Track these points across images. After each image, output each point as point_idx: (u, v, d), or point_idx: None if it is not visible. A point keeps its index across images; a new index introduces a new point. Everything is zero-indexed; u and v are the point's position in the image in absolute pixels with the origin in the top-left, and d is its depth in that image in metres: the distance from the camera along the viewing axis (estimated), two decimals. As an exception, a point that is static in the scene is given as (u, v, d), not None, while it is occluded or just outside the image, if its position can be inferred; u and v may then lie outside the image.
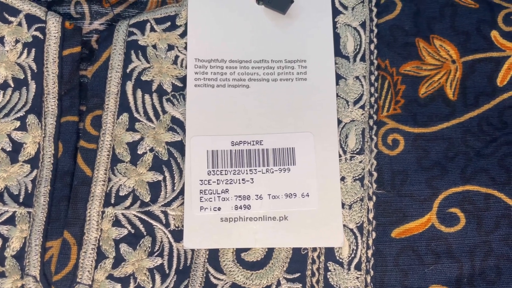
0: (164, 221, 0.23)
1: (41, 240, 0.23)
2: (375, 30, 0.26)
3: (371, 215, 0.24)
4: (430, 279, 0.23)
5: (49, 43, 0.25)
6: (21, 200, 0.23)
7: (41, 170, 0.24)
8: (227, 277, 0.23)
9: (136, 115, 0.24)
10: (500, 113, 0.25)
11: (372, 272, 0.23)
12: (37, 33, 0.25)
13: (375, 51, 0.26)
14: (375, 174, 0.24)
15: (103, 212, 0.23)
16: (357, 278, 0.23)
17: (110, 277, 0.23)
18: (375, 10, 0.26)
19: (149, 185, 0.24)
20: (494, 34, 0.26)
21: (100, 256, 0.23)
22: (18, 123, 0.24)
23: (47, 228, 0.23)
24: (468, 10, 0.26)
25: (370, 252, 0.23)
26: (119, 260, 0.23)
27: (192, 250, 0.23)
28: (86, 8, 0.26)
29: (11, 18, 0.25)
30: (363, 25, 0.26)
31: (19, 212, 0.23)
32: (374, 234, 0.23)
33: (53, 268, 0.23)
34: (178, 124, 0.25)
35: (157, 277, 0.23)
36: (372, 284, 0.23)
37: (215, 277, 0.23)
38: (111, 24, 0.26)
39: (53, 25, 0.25)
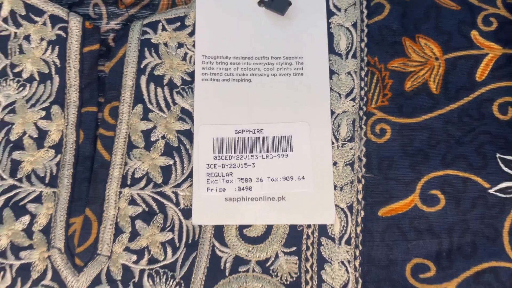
0: (174, 200, 0.26)
1: (65, 216, 0.26)
2: (366, 30, 0.29)
3: (360, 196, 0.26)
4: (412, 253, 0.26)
5: (71, 41, 0.28)
6: (46, 181, 0.26)
7: (64, 155, 0.27)
8: (231, 250, 0.26)
9: (149, 106, 0.27)
10: (478, 105, 0.28)
11: (360, 247, 0.26)
12: (60, 32, 0.28)
13: (365, 49, 0.28)
14: (364, 159, 0.27)
15: (120, 192, 0.26)
16: (347, 251, 0.26)
17: (127, 249, 0.25)
18: (365, 11, 0.29)
19: (161, 169, 0.26)
20: (474, 33, 0.28)
21: (118, 231, 0.26)
22: (43, 113, 0.27)
23: (70, 206, 0.26)
24: (450, 12, 0.29)
25: (359, 229, 0.26)
26: (134, 235, 0.25)
27: (200, 226, 0.26)
28: (104, 9, 0.29)
29: (37, 18, 0.28)
30: (354, 25, 0.29)
31: (45, 192, 0.26)
32: (362, 213, 0.26)
33: (76, 241, 0.25)
34: (187, 114, 0.27)
35: (169, 250, 0.25)
36: (360, 257, 0.26)
37: (220, 250, 0.26)
38: (126, 24, 0.29)
39: (75, 24, 0.28)
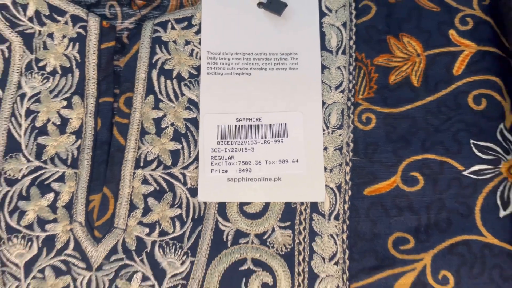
0: (182, 180, 0.29)
1: (85, 194, 0.29)
2: (354, 29, 0.32)
3: (347, 177, 0.29)
4: (394, 228, 0.29)
5: (90, 38, 0.31)
6: (68, 163, 0.29)
7: (84, 140, 0.30)
8: (233, 225, 0.29)
9: (160, 96, 0.30)
10: (455, 97, 0.31)
11: (347, 222, 0.29)
12: (80, 30, 0.31)
13: (354, 46, 0.31)
14: (351, 144, 0.30)
15: (134, 173, 0.29)
16: (336, 226, 0.29)
17: (140, 223, 0.28)
18: (354, 12, 0.32)
19: (170, 152, 0.30)
20: (452, 32, 0.32)
21: (132, 207, 0.29)
22: (65, 102, 0.30)
23: (90, 185, 0.29)
24: (430, 13, 0.32)
25: (346, 206, 0.29)
26: (147, 210, 0.29)
27: (205, 203, 0.29)
28: (118, 10, 0.32)
29: (59, 18, 0.31)
30: (344, 25, 0.32)
31: (67, 172, 0.29)
32: (350, 192, 0.29)
33: (95, 216, 0.29)
34: (193, 104, 0.30)
35: (177, 224, 0.29)
36: (347, 231, 0.29)
37: (223, 225, 0.29)
38: (139, 23, 0.32)
39: (93, 24, 0.31)
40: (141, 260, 0.28)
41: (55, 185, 0.29)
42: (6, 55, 0.31)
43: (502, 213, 0.28)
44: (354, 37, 0.32)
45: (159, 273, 0.28)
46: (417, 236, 0.29)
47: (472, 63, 0.31)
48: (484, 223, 0.28)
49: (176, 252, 0.28)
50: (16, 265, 0.28)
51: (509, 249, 0.28)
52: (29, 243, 0.28)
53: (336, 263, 0.28)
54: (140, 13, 0.32)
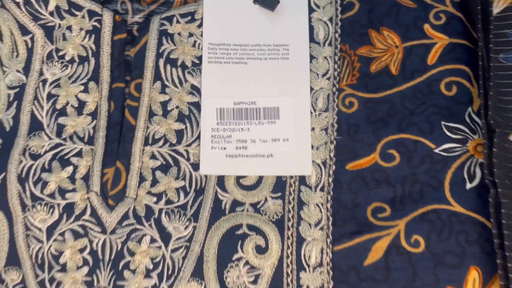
0: (186, 156, 0.33)
1: (100, 167, 0.33)
2: (339, 24, 0.35)
3: (332, 154, 0.33)
4: (372, 199, 0.32)
5: (104, 30, 0.35)
6: (85, 141, 0.33)
7: (99, 120, 0.34)
8: (230, 195, 0.33)
9: (166, 82, 0.34)
10: (429, 84, 0.34)
11: (331, 193, 0.33)
12: (96, 24, 0.35)
13: (339, 38, 0.35)
14: (335, 125, 0.34)
15: (143, 150, 0.33)
16: (321, 196, 0.33)
17: (149, 193, 0.32)
18: (339, 8, 0.36)
19: (175, 132, 0.33)
20: (427, 26, 0.35)
21: (142, 179, 0.33)
22: (82, 87, 0.34)
23: (104, 160, 0.33)
24: (408, 9, 0.36)
25: (330, 179, 0.33)
26: (154, 182, 0.32)
27: (206, 176, 0.33)
28: (129, 6, 0.36)
29: (77, 13, 0.35)
30: (330, 19, 0.36)
31: (84, 149, 0.33)
32: (333, 167, 0.33)
33: (109, 187, 0.32)
34: (195, 90, 0.34)
35: (181, 194, 0.32)
36: (331, 201, 0.32)
37: (221, 195, 0.33)
38: (147, 18, 0.36)
39: (107, 18, 0.35)
40: (150, 225, 0.32)
41: (73, 160, 0.33)
42: (29, 45, 0.35)
43: (468, 186, 0.32)
44: (339, 30, 0.35)
45: (166, 236, 0.31)
46: (393, 205, 0.32)
47: (444, 54, 0.35)
48: (452, 194, 0.32)
49: (180, 218, 0.32)
50: (39, 229, 0.32)
51: (474, 217, 0.31)
52: (51, 210, 0.32)
53: (321, 229, 0.32)
54: (149, 9, 0.36)
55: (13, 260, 0.31)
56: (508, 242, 0.29)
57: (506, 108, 0.33)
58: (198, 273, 0.31)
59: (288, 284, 0.31)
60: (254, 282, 0.31)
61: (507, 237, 0.29)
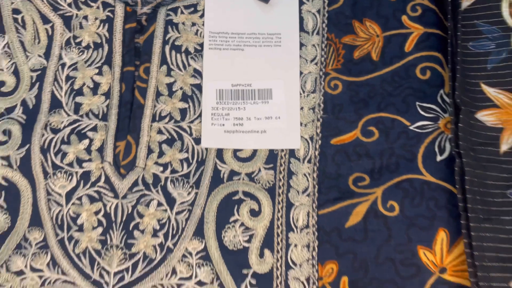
0: (189, 132, 0.37)
1: (113, 141, 0.37)
2: (326, 15, 0.40)
3: (318, 130, 0.37)
4: (354, 169, 0.37)
5: (117, 20, 0.39)
6: (100, 117, 0.37)
7: (111, 100, 0.38)
8: (228, 166, 0.37)
9: (171, 66, 0.38)
10: (406, 69, 0.39)
11: (317, 164, 0.37)
12: (109, 14, 0.39)
13: (326, 28, 0.39)
14: (322, 105, 0.38)
15: (151, 125, 0.37)
16: (308, 167, 0.37)
17: (156, 163, 0.36)
18: (326, 1, 0.40)
19: (179, 110, 0.38)
20: (404, 18, 0.39)
21: (150, 151, 0.37)
22: (97, 70, 0.38)
23: (116, 134, 0.37)
24: (388, 2, 0.40)
25: (317, 152, 0.37)
26: (161, 153, 0.37)
27: (206, 149, 0.37)
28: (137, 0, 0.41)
29: (92, 4, 0.39)
30: (319, 11, 0.40)
31: (99, 124, 0.37)
32: (319, 142, 0.37)
33: (121, 157, 0.37)
34: (198, 73, 0.38)
35: (185, 164, 0.37)
36: (317, 171, 0.37)
37: (220, 166, 0.37)
38: (155, 9, 0.40)
39: (119, 9, 0.39)
40: (157, 191, 0.36)
41: (89, 134, 0.37)
42: (50, 33, 0.39)
43: (438, 158, 0.36)
44: (326, 21, 0.40)
45: (171, 201, 0.36)
46: (371, 175, 0.36)
47: (420, 42, 0.39)
48: (424, 166, 0.36)
49: (184, 185, 0.36)
50: (59, 194, 0.36)
51: (443, 185, 0.36)
52: (70, 177, 0.36)
53: (308, 195, 0.36)
54: (156, 1, 0.40)
55: (36, 221, 0.35)
56: (471, 204, 0.33)
57: (473, 89, 0.37)
58: (199, 233, 0.35)
59: (278, 243, 0.35)
60: (248, 241, 0.35)
61: (470, 200, 0.33)
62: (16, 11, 0.39)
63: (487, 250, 0.32)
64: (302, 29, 0.39)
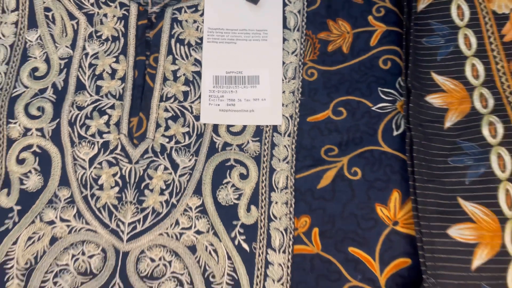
0: (190, 110, 0.45)
1: (128, 117, 0.45)
2: (305, 15, 0.47)
3: (297, 110, 0.45)
4: (325, 142, 0.44)
5: (131, 17, 0.47)
6: (117, 98, 0.45)
7: (126, 83, 0.46)
8: (222, 139, 0.45)
9: (176, 56, 0.46)
10: (371, 60, 0.46)
11: (295, 138, 0.44)
12: (125, 12, 0.47)
13: (305, 26, 0.47)
14: (300, 89, 0.46)
15: (159, 105, 0.45)
16: (288, 140, 0.44)
17: (163, 135, 0.44)
18: (306, 3, 0.48)
19: (182, 92, 0.46)
20: (370, 18, 0.47)
21: (158, 125, 0.45)
22: (114, 59, 0.46)
23: (130, 111, 0.45)
24: (357, 4, 0.48)
25: (295, 128, 0.45)
26: (167, 128, 0.44)
27: (204, 124, 0.45)
28: (149, 0, 0.48)
29: (111, 4, 0.47)
30: (299, 11, 0.48)
31: (116, 103, 0.45)
32: (298, 119, 0.45)
33: (134, 130, 0.44)
34: (198, 62, 0.46)
35: (187, 137, 0.44)
36: (295, 143, 0.44)
37: (215, 138, 0.44)
38: (163, 8, 0.48)
39: (133, 8, 0.47)
40: (163, 158, 0.44)
41: (108, 111, 0.45)
42: (75, 27, 0.47)
43: (395, 133, 0.44)
44: (305, 20, 0.47)
45: (175, 166, 0.44)
46: (339, 147, 0.44)
47: (382, 38, 0.47)
48: (383, 139, 0.44)
49: (185, 153, 0.44)
50: (83, 159, 0.44)
51: (397, 155, 0.43)
52: (92, 146, 0.44)
53: (287, 162, 0.44)
54: (164, 2, 0.48)
55: (64, 181, 0.43)
56: (417, 169, 0.41)
57: (425, 77, 0.45)
58: (197, 192, 0.43)
59: (262, 201, 0.43)
60: (238, 199, 0.43)
61: (417, 165, 0.41)
62: (47, 9, 0.47)
63: (429, 205, 0.40)
64: (285, 26, 0.47)
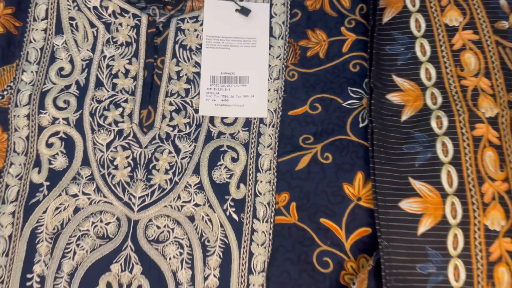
0: (191, 104, 0.54)
1: (139, 109, 0.54)
2: (288, 25, 0.56)
3: (280, 105, 0.54)
4: (303, 132, 0.53)
5: (142, 26, 0.56)
6: (129, 93, 0.54)
7: (137, 81, 0.55)
8: (217, 128, 0.53)
9: (179, 59, 0.55)
10: (343, 64, 0.55)
11: (278, 128, 0.53)
12: (137, 22, 0.56)
13: (288, 35, 0.56)
14: (283, 88, 0.55)
15: (165, 99, 0.54)
16: (272, 130, 0.53)
17: (168, 125, 0.53)
18: (289, 16, 0.57)
19: (184, 89, 0.54)
20: (343, 28, 0.56)
21: (163, 117, 0.53)
22: (128, 61, 0.55)
23: (141, 105, 0.54)
24: (332, 17, 0.56)
25: (278, 120, 0.54)
26: (171, 119, 0.53)
27: (202, 116, 0.54)
28: (157, 12, 0.57)
29: (125, 14, 0.56)
30: (283, 22, 0.57)
31: (129, 98, 0.54)
32: (280, 113, 0.54)
33: (143, 121, 0.53)
34: (198, 64, 0.55)
35: (187, 126, 0.53)
36: (278, 133, 0.53)
37: (211, 128, 0.53)
38: (168, 19, 0.57)
39: (144, 18, 0.56)
40: (168, 143, 0.53)
41: (122, 104, 0.54)
42: (95, 34, 0.56)
43: (360, 125, 0.53)
44: (288, 29, 0.56)
45: (177, 150, 0.52)
46: (315, 136, 0.53)
47: (353, 46, 0.56)
48: (351, 130, 0.53)
49: (186, 140, 0.53)
50: (101, 144, 0.53)
51: (362, 143, 0.52)
52: (109, 133, 0.53)
53: (271, 149, 0.53)
54: (169, 13, 0.57)
55: (85, 162, 0.52)
56: (377, 154, 0.50)
57: (387, 79, 0.54)
58: (196, 172, 0.52)
59: (249, 180, 0.52)
60: (229, 178, 0.52)
61: (376, 151, 0.50)
62: (71, 18, 0.56)
63: (385, 183, 0.49)
64: (271, 35, 0.56)
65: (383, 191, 0.49)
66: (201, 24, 0.56)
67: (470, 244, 0.46)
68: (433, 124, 0.50)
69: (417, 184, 0.48)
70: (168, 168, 0.52)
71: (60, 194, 0.51)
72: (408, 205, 0.48)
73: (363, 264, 0.49)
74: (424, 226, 0.47)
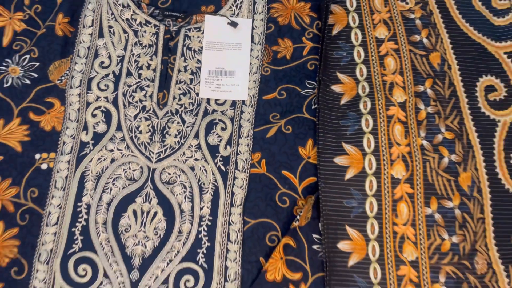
0: (194, 90, 0.76)
1: (157, 92, 0.76)
2: (265, 35, 0.79)
3: (256, 92, 0.76)
4: (272, 111, 0.75)
5: (160, 33, 0.78)
6: (151, 80, 0.76)
7: (156, 73, 0.77)
8: (211, 107, 0.75)
9: (186, 57, 0.77)
10: (303, 63, 0.77)
11: (255, 107, 0.75)
12: (156, 30, 0.78)
13: (264, 41, 0.78)
14: (259, 80, 0.77)
15: (176, 85, 0.76)
16: (250, 109, 0.75)
17: (177, 104, 0.75)
18: (265, 28, 0.79)
19: (190, 79, 0.77)
20: (303, 38, 0.78)
21: (174, 98, 0.76)
22: (149, 58, 0.77)
23: (158, 89, 0.76)
24: (296, 30, 0.79)
25: (255, 102, 0.75)
26: (180, 99, 0.75)
27: (202, 98, 0.76)
28: (171, 23, 0.80)
29: (148, 24, 0.78)
30: (261, 33, 0.79)
31: (150, 84, 0.76)
32: (257, 97, 0.75)
33: (160, 100, 0.76)
34: (199, 61, 0.78)
35: (191, 105, 0.75)
36: (254, 111, 0.75)
37: (208, 106, 0.75)
38: (179, 28, 0.79)
39: (162, 28, 0.78)
40: (177, 116, 0.75)
41: (145, 88, 0.76)
42: (127, 38, 0.78)
43: (313, 107, 0.75)
44: (264, 38, 0.79)
45: (184, 121, 0.75)
46: (281, 114, 0.75)
47: (310, 51, 0.78)
48: (306, 110, 0.74)
49: (190, 114, 0.75)
50: (130, 116, 0.75)
51: (313, 119, 0.74)
52: (136, 108, 0.75)
53: (249, 122, 0.75)
54: (180, 25, 0.80)
55: (119, 128, 0.74)
56: (321, 126, 0.72)
57: (333, 75, 0.76)
58: (196, 136, 0.74)
59: (233, 143, 0.74)
60: (219, 141, 0.74)
61: (321, 124, 0.72)
62: (110, 26, 0.79)
63: (325, 147, 0.71)
64: (252, 41, 0.79)
65: (324, 151, 0.71)
66: (203, 33, 0.79)
67: (381, 187, 0.68)
68: (361, 106, 0.73)
69: (347, 147, 0.71)
70: (177, 133, 0.74)
71: (101, 149, 0.73)
72: (339, 160, 0.70)
73: (308, 201, 0.71)
74: (349, 174, 0.69)
